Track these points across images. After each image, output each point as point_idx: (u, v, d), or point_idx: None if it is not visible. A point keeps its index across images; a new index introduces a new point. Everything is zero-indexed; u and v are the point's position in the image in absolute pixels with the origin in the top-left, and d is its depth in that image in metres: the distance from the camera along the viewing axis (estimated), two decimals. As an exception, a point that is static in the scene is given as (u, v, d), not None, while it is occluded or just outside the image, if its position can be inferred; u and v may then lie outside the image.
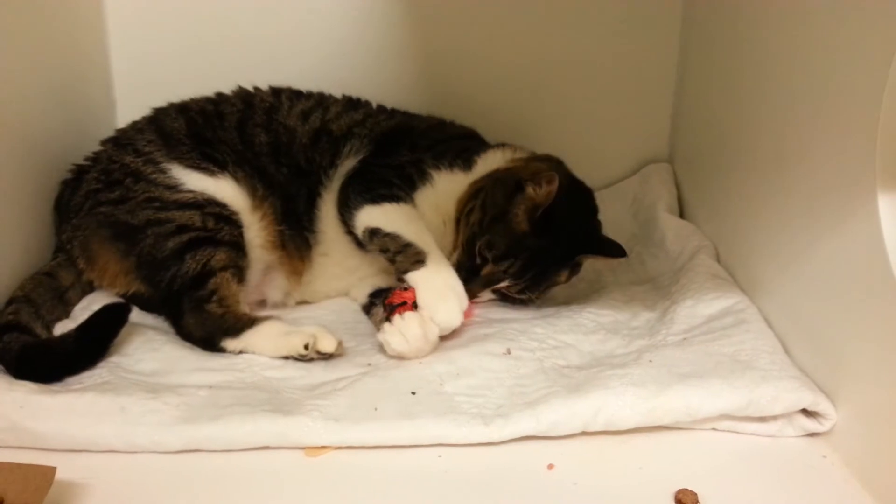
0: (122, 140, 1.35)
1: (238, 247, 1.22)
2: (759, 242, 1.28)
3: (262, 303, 1.35)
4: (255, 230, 1.27)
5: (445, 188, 1.33)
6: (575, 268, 1.32)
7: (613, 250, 1.32)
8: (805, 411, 1.02)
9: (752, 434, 1.03)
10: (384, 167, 1.30)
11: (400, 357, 1.14)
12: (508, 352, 1.15)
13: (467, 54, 1.70)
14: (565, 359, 1.15)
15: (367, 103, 1.47)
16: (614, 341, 1.21)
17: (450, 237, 1.33)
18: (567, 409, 1.00)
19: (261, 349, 1.16)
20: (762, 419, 1.02)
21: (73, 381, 1.08)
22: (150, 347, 1.16)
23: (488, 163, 1.34)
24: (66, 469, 0.91)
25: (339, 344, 1.17)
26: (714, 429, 1.03)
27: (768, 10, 1.24)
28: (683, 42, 1.68)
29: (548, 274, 1.27)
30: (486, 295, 1.30)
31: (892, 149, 0.91)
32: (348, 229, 1.29)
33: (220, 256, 1.20)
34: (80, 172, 1.35)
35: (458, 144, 1.38)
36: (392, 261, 1.21)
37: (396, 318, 1.13)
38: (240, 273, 1.21)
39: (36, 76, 1.37)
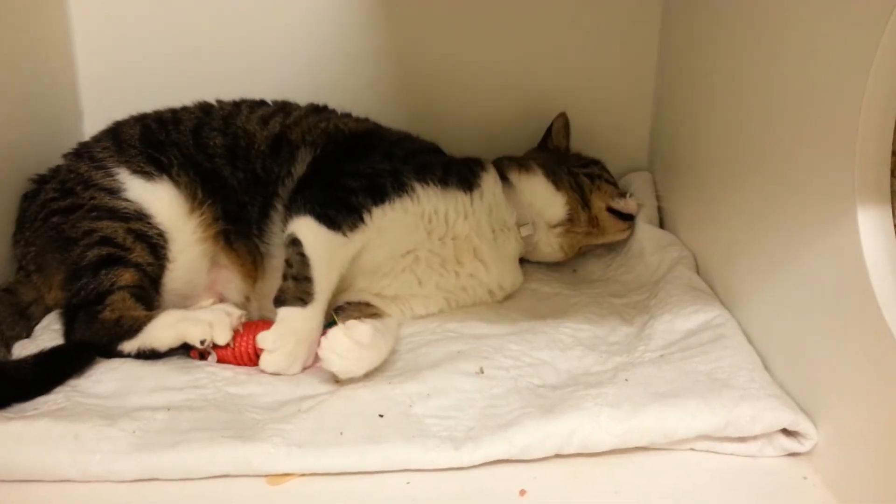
0: (82, 150, 1.34)
1: (145, 271, 1.19)
2: (738, 254, 1.26)
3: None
4: (193, 227, 1.25)
5: (436, 205, 1.30)
6: None
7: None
8: (785, 431, 0.99)
9: (731, 454, 1.00)
10: (349, 175, 1.26)
11: (349, 374, 1.08)
12: (482, 371, 1.11)
13: (446, 67, 1.67)
14: (541, 377, 1.12)
15: (333, 110, 1.44)
16: (591, 358, 1.18)
17: (449, 251, 1.33)
18: (540, 431, 0.96)
19: (160, 341, 1.13)
20: (741, 439, 0.99)
21: (28, 406, 1.03)
22: (109, 367, 1.12)
23: (490, 183, 1.38)
24: (18, 501, 0.88)
25: (241, 317, 1.17)
26: (692, 449, 1.00)
27: (746, 19, 1.21)
28: (662, 50, 1.66)
29: None
30: None
31: (871, 162, 0.89)
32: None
33: (126, 277, 1.18)
34: (41, 184, 1.33)
35: (435, 160, 1.35)
36: (284, 278, 1.18)
37: (322, 339, 1.08)
38: (143, 295, 1.18)
39: (0, 88, 1.34)
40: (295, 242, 1.19)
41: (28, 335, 1.24)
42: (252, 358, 1.14)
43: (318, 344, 1.09)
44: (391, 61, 1.67)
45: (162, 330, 1.13)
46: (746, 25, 1.22)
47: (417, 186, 1.27)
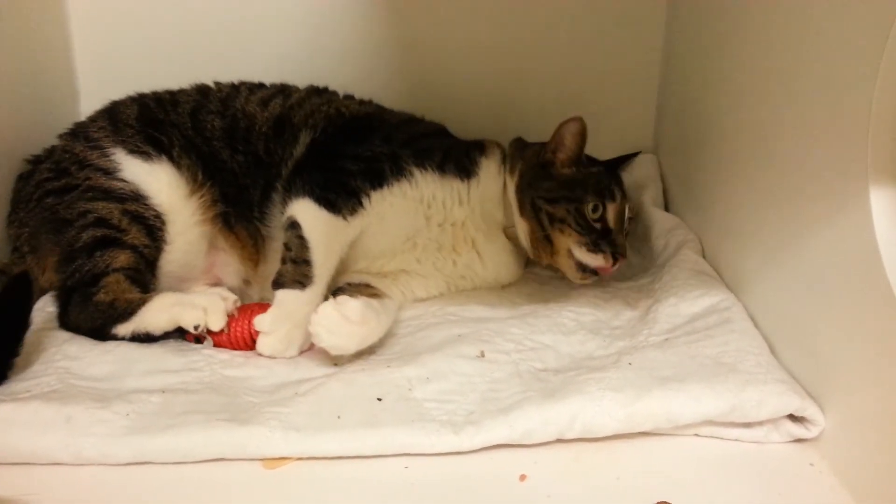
0: (77, 130, 1.31)
1: (141, 253, 1.17)
2: (744, 237, 1.23)
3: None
4: (192, 209, 1.23)
5: (434, 191, 1.28)
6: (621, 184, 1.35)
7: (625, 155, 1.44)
8: (792, 416, 0.97)
9: (736, 440, 0.98)
10: (349, 158, 1.24)
11: (339, 350, 1.07)
12: (482, 354, 1.09)
13: (447, 45, 1.64)
14: (542, 361, 1.10)
15: (334, 92, 1.41)
16: (594, 342, 1.16)
17: (447, 238, 1.31)
18: (542, 415, 0.94)
19: (154, 325, 1.12)
20: (747, 424, 0.97)
21: (20, 388, 1.01)
22: (103, 350, 1.10)
23: (491, 172, 1.33)
24: (8, 484, 0.86)
25: (236, 301, 1.17)
26: (696, 434, 0.98)
27: None
28: (668, 29, 1.63)
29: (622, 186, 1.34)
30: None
31: (885, 141, 0.86)
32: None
33: (121, 258, 1.16)
34: (36, 164, 1.31)
35: (437, 143, 1.32)
36: (283, 261, 1.16)
37: (313, 315, 1.06)
38: (138, 277, 1.16)
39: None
40: (294, 225, 1.17)
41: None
42: (248, 342, 1.12)
43: None
44: (393, 43, 1.63)
45: (156, 314, 1.11)
46: (756, 3, 1.18)
47: (416, 171, 1.25)
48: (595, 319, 1.23)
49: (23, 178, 1.31)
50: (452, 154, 1.30)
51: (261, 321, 1.10)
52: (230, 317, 1.13)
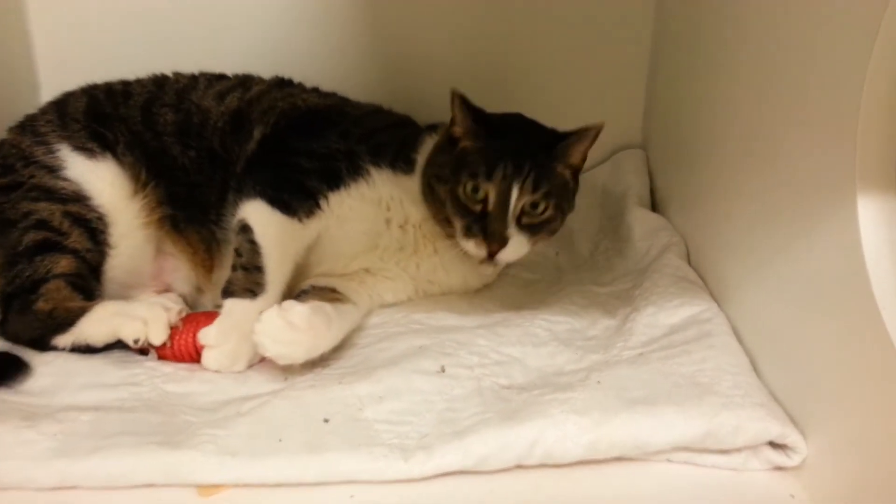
0: (26, 123, 1.24)
1: (83, 258, 1.10)
2: (730, 242, 1.16)
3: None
4: (136, 210, 1.16)
5: (391, 191, 1.20)
6: (564, 162, 1.15)
7: (578, 128, 1.14)
8: (773, 443, 0.89)
9: (712, 467, 0.90)
10: (304, 154, 1.16)
11: (286, 360, 0.99)
12: (442, 369, 1.02)
13: (429, 40, 1.57)
14: (508, 377, 1.03)
15: (300, 84, 1.33)
16: (565, 355, 1.08)
17: (409, 240, 1.23)
18: (499, 440, 0.87)
19: (95, 336, 1.05)
20: (724, 451, 0.90)
21: (-51, 404, 0.95)
22: (41, 360, 1.03)
23: (425, 154, 1.21)
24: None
25: (180, 312, 1.08)
26: (669, 460, 0.91)
27: None
28: (658, 19, 1.54)
29: (544, 169, 1.11)
30: (515, 234, 1.11)
31: (874, 145, 0.78)
32: None
33: (62, 264, 1.09)
34: None
35: (395, 137, 1.23)
36: (234, 268, 1.09)
37: (256, 323, 0.98)
38: (81, 283, 1.09)
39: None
40: (245, 229, 1.09)
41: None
42: (193, 355, 1.05)
43: None
44: (371, 32, 1.56)
45: (96, 325, 1.05)
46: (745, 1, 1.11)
47: (372, 169, 1.17)
48: (570, 329, 1.16)
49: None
50: (405, 147, 1.22)
51: (206, 334, 1.03)
52: (174, 328, 1.06)
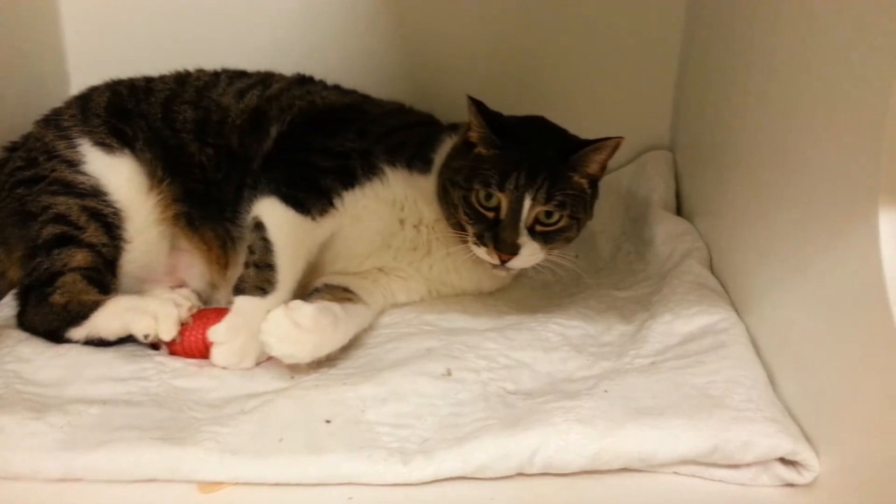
0: (50, 117, 1.26)
1: (99, 252, 1.11)
2: (753, 250, 1.13)
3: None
4: (151, 206, 1.17)
5: (406, 190, 1.19)
6: (581, 172, 1.12)
7: (597, 139, 1.10)
8: (784, 459, 0.86)
9: (720, 481, 0.88)
10: (319, 152, 1.15)
11: (292, 359, 0.99)
12: (449, 372, 1.01)
13: (456, 40, 1.55)
14: (515, 382, 1.01)
15: (321, 82, 1.32)
16: (577, 361, 1.06)
17: (422, 240, 1.22)
18: (499, 448, 0.86)
19: (107, 330, 1.06)
20: (733, 465, 0.87)
21: (-36, 392, 0.97)
22: (56, 353, 1.05)
23: (443, 155, 1.19)
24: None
25: (190, 308, 1.09)
26: (676, 473, 0.89)
27: (776, 2, 1.07)
28: (689, 20, 1.50)
29: (559, 179, 1.09)
30: (527, 242, 1.09)
31: (897, 157, 0.75)
32: None
33: (78, 258, 1.10)
34: (12, 151, 1.26)
35: (414, 136, 1.22)
36: (246, 266, 1.09)
37: (263, 323, 0.98)
38: (97, 277, 1.10)
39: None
40: (259, 226, 1.09)
41: (-9, 312, 1.18)
42: (203, 351, 1.05)
43: None
44: (397, 29, 1.55)
45: (108, 319, 1.06)
46: (776, 8, 1.08)
47: (387, 169, 1.16)
48: (583, 334, 1.14)
49: None
50: (423, 146, 1.20)
51: (215, 331, 1.03)
52: (184, 324, 1.06)
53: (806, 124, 0.95)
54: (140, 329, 1.04)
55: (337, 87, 1.33)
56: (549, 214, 1.10)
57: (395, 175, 1.17)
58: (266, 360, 1.05)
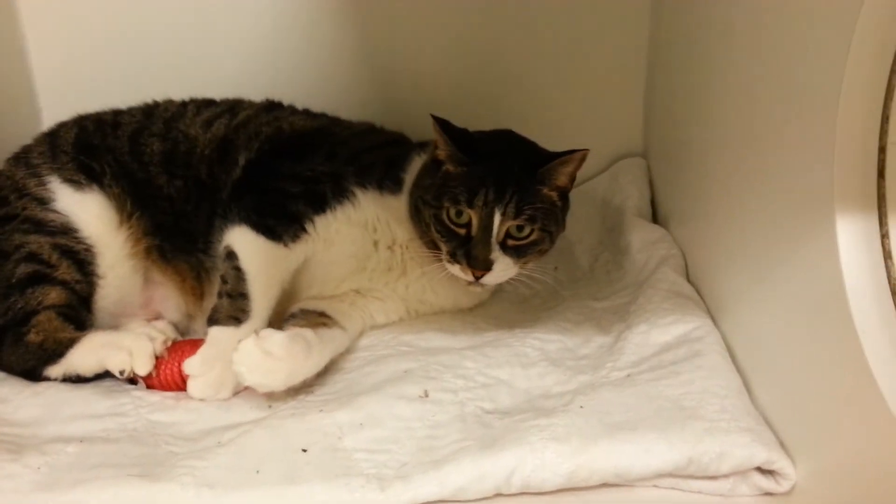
0: (21, 155, 1.25)
1: (73, 289, 1.11)
2: (726, 256, 1.13)
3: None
4: (122, 241, 1.17)
5: (377, 212, 1.19)
6: (550, 184, 1.12)
7: (565, 151, 1.11)
8: (761, 468, 0.87)
9: (698, 492, 0.88)
10: (289, 178, 1.15)
11: (265, 388, 1.00)
12: (426, 394, 1.01)
13: (423, 52, 1.55)
14: (493, 400, 1.01)
15: (290, 106, 1.33)
16: (554, 376, 1.06)
17: (397, 261, 1.22)
18: (476, 470, 0.86)
19: (84, 367, 1.06)
20: (711, 476, 0.87)
21: (-58, 436, 0.97)
22: (33, 391, 1.05)
23: (413, 174, 1.20)
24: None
25: (165, 342, 1.08)
26: (655, 486, 0.89)
27: (730, 9, 1.09)
28: (653, 27, 1.51)
29: (528, 193, 1.09)
30: (500, 257, 1.09)
31: (852, 162, 0.76)
32: None
33: (52, 296, 1.10)
34: None
35: (383, 157, 1.22)
36: (219, 295, 1.09)
37: (234, 353, 0.98)
38: (72, 314, 1.10)
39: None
40: (231, 255, 1.09)
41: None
42: (179, 384, 1.05)
43: None
44: (364, 45, 1.55)
45: (84, 356, 1.06)
46: (730, 15, 1.09)
47: (358, 191, 1.16)
48: (561, 348, 1.14)
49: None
50: (393, 166, 1.20)
51: (190, 364, 1.03)
52: (160, 358, 1.06)
53: (763, 132, 0.96)
54: (115, 365, 1.04)
55: (306, 112, 1.32)
56: (520, 229, 1.11)
57: (366, 197, 1.17)
58: (243, 389, 1.05)
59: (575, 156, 1.11)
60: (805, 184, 0.83)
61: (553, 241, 1.17)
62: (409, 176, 1.20)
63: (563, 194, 1.17)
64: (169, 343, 1.09)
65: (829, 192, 0.76)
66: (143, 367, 1.04)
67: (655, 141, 1.54)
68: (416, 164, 1.21)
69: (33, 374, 1.07)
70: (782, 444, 0.88)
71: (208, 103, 1.30)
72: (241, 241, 1.10)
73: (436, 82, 1.57)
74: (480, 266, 1.09)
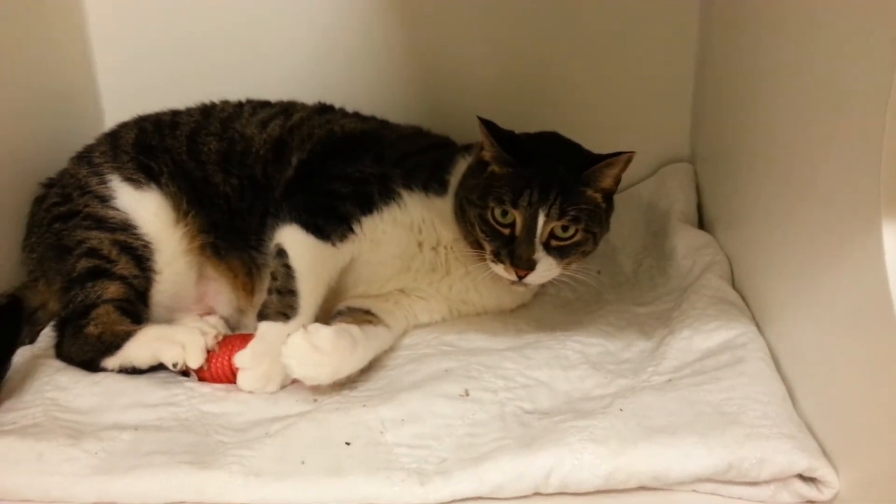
0: (83, 154, 1.31)
1: (131, 284, 1.16)
2: (772, 263, 1.12)
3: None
4: (178, 238, 1.21)
5: (423, 213, 1.21)
6: (594, 186, 1.13)
7: (610, 153, 1.12)
8: (803, 475, 0.86)
9: (738, 498, 0.88)
10: (338, 179, 1.19)
11: (312, 381, 1.03)
12: (466, 393, 1.03)
13: (470, 56, 1.57)
14: (532, 401, 1.02)
15: (341, 109, 1.36)
16: (594, 378, 1.07)
17: (441, 261, 1.24)
18: (515, 468, 0.87)
19: (139, 359, 1.10)
20: (752, 482, 0.87)
21: (6, 420, 1.02)
22: (92, 381, 1.09)
23: (458, 176, 1.22)
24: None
25: (216, 336, 1.12)
26: (695, 490, 0.89)
27: (780, 15, 1.08)
28: (702, 30, 1.50)
29: (572, 194, 1.10)
30: (543, 257, 1.10)
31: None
32: None
33: (111, 290, 1.14)
34: (49, 187, 1.32)
35: (429, 159, 1.24)
36: (269, 292, 1.12)
37: (283, 346, 1.01)
38: (129, 308, 1.15)
39: (19, 90, 1.35)
40: (281, 253, 1.13)
41: (31, 341, 1.23)
42: (229, 377, 1.09)
43: None
44: (410, 50, 1.58)
45: (139, 348, 1.10)
46: (780, 21, 1.09)
47: (404, 193, 1.19)
48: (603, 351, 1.15)
49: (37, 202, 1.33)
50: (438, 168, 1.23)
51: (240, 357, 1.07)
52: (211, 352, 1.10)
53: (811, 138, 0.95)
54: (169, 358, 1.08)
55: (356, 115, 1.36)
56: (564, 229, 1.12)
57: (412, 198, 1.19)
58: (291, 382, 1.08)
59: (620, 158, 1.12)
60: (851, 191, 0.82)
61: (596, 243, 1.18)
62: (454, 178, 1.22)
63: (608, 196, 1.17)
64: (220, 337, 1.13)
65: (876, 199, 0.76)
66: (196, 361, 1.08)
67: (703, 146, 1.53)
68: (461, 166, 1.23)
69: (91, 364, 1.12)
70: (825, 453, 0.87)
71: (263, 104, 1.34)
72: (292, 239, 1.13)
73: (482, 85, 1.59)
74: (524, 265, 1.10)
